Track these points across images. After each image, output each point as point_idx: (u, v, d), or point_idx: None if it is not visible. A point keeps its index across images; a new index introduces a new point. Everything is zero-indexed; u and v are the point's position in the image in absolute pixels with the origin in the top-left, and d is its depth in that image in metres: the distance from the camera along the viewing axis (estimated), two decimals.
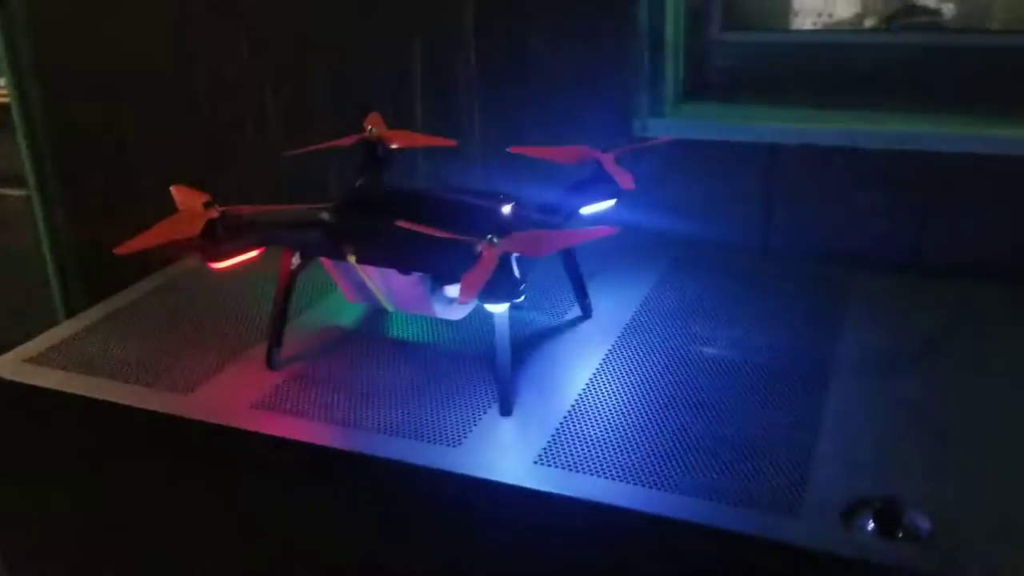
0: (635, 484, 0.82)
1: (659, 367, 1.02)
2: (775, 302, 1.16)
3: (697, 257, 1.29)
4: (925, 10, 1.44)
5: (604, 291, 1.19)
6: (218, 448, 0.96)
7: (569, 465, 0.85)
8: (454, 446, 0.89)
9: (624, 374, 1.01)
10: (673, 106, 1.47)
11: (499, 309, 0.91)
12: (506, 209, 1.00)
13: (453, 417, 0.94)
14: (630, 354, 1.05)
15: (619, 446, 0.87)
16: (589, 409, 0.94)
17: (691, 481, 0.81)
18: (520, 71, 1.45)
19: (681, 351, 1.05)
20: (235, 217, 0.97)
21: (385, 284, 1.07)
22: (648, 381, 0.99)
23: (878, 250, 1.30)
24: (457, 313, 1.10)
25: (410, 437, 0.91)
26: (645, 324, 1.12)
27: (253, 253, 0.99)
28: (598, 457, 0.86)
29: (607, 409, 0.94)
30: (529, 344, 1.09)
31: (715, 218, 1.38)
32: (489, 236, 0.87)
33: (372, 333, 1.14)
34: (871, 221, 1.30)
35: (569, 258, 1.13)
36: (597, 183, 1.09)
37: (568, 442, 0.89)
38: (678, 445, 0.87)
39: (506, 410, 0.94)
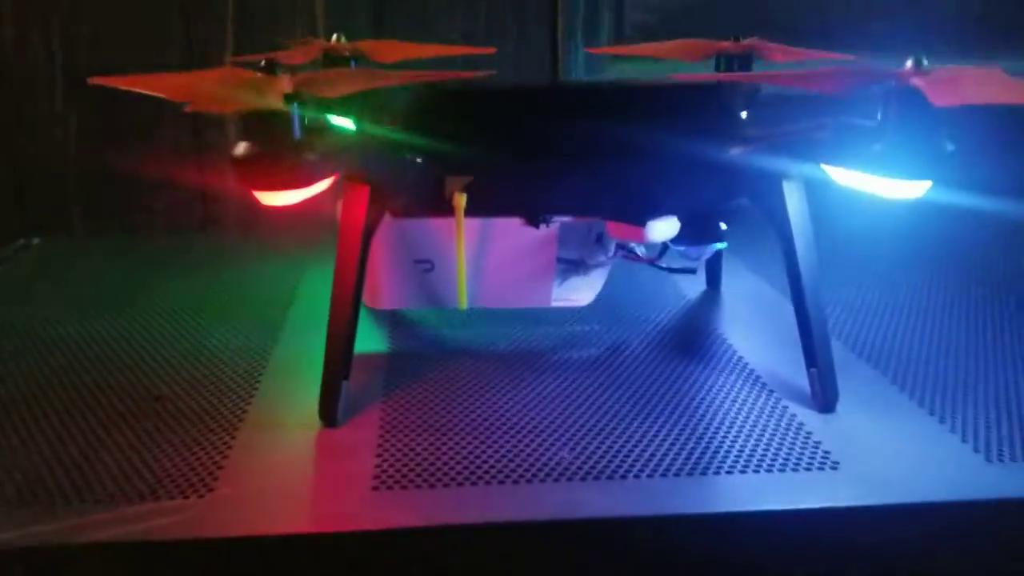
0: None
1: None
2: None
3: None
4: None
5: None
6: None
7: None
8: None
9: None
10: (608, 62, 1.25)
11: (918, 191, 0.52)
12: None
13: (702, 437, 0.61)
14: None
15: None
16: None
17: None
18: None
19: None
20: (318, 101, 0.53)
21: (480, 256, 0.71)
22: None
23: None
24: (584, 293, 0.75)
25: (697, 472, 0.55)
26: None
27: (327, 182, 0.56)
28: None
29: None
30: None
31: None
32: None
33: (431, 349, 0.75)
34: None
35: None
36: None
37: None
38: None
39: (829, 406, 0.62)
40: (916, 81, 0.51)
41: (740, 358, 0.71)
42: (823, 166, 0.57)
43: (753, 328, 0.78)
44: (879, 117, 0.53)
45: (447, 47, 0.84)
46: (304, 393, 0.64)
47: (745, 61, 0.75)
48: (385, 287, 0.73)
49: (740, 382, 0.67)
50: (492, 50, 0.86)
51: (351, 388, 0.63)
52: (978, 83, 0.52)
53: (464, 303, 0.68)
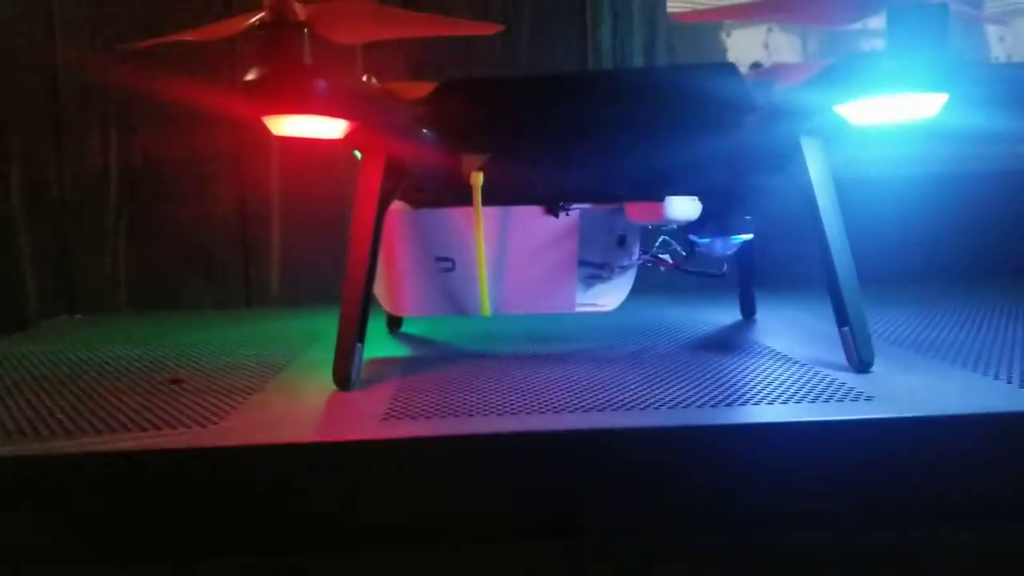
0: None
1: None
2: None
3: None
4: None
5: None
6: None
7: None
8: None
9: None
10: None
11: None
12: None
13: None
14: None
15: None
16: None
17: None
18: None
19: None
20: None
21: (502, 250, 0.71)
22: None
23: None
24: (610, 298, 0.74)
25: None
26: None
27: (340, 124, 0.57)
28: None
29: None
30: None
31: None
32: None
33: (453, 349, 0.76)
34: None
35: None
36: None
37: None
38: None
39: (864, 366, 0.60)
40: None
41: (774, 350, 0.68)
42: (837, 109, 0.57)
43: (789, 335, 0.76)
44: (885, 38, 0.53)
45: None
46: (323, 375, 0.62)
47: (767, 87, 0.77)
48: (408, 293, 0.73)
49: (775, 361, 0.64)
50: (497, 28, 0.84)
51: (364, 381, 0.62)
52: None
53: (487, 309, 0.67)
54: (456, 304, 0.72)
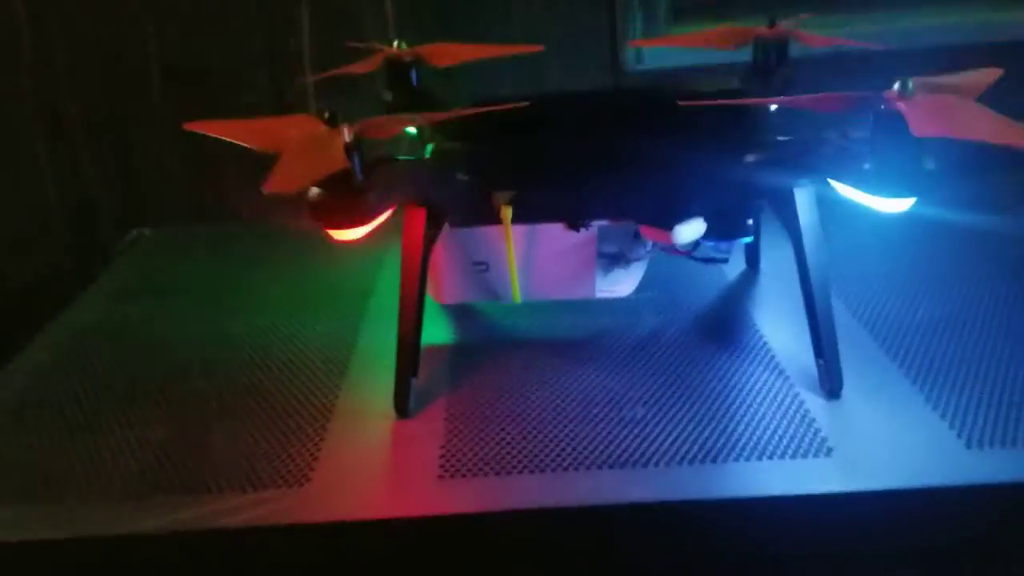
0: None
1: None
2: None
3: None
4: None
5: None
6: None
7: None
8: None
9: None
10: (667, 29, 1.25)
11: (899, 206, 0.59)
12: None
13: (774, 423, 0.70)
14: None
15: None
16: None
17: None
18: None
19: None
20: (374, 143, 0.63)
21: (528, 255, 0.80)
22: None
23: None
24: (625, 285, 0.84)
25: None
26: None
27: (388, 212, 0.67)
28: None
29: None
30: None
31: None
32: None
33: (489, 340, 0.86)
34: None
35: None
36: None
37: None
38: None
39: (834, 393, 0.71)
40: (900, 105, 0.58)
41: (765, 343, 0.80)
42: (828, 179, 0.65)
43: (783, 312, 0.86)
44: (870, 135, 0.61)
45: (500, 47, 0.91)
46: (382, 386, 0.74)
47: (782, 46, 0.83)
48: (448, 285, 0.84)
49: (760, 369, 0.76)
50: (540, 47, 0.92)
51: (422, 380, 0.75)
52: (960, 113, 0.58)
53: (518, 296, 0.78)
54: (490, 294, 0.82)
